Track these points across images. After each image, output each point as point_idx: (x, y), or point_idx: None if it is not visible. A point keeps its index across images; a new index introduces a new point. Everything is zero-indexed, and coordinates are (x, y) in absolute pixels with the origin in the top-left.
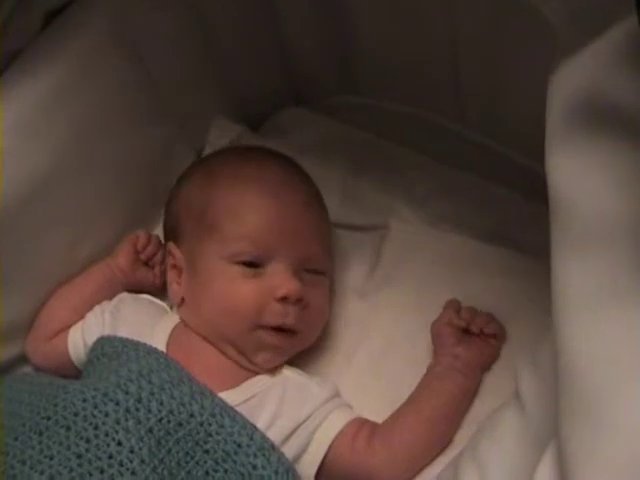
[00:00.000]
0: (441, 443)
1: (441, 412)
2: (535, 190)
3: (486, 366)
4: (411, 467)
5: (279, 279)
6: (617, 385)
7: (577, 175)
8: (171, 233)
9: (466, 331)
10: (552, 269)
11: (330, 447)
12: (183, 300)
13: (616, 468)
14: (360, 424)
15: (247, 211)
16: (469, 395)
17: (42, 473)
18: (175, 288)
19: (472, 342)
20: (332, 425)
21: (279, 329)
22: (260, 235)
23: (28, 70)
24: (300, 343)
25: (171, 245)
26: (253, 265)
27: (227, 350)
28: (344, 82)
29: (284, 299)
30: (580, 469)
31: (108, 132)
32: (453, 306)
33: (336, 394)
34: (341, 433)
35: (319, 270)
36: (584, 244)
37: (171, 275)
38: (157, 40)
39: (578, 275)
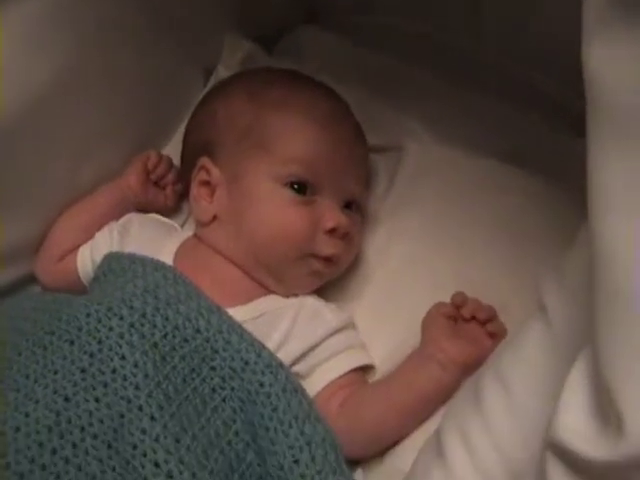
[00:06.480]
0: (403, 432)
1: (410, 406)
2: (554, 113)
3: (470, 367)
4: (368, 446)
5: (329, 211)
6: None
7: (617, 65)
8: (203, 148)
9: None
10: (589, 167)
11: (318, 393)
12: (215, 218)
13: None
14: (345, 383)
15: (303, 135)
16: (443, 393)
17: (46, 387)
18: (205, 205)
19: (462, 339)
20: (330, 370)
21: (327, 259)
22: (314, 160)
23: None
24: (336, 273)
25: (205, 160)
26: (303, 191)
27: (257, 272)
28: (360, 1)
29: (332, 231)
30: (619, 368)
31: (113, 50)
32: (456, 300)
33: (350, 325)
34: (328, 385)
35: (358, 206)
36: (625, 137)
37: (200, 192)
38: None
39: (615, 167)
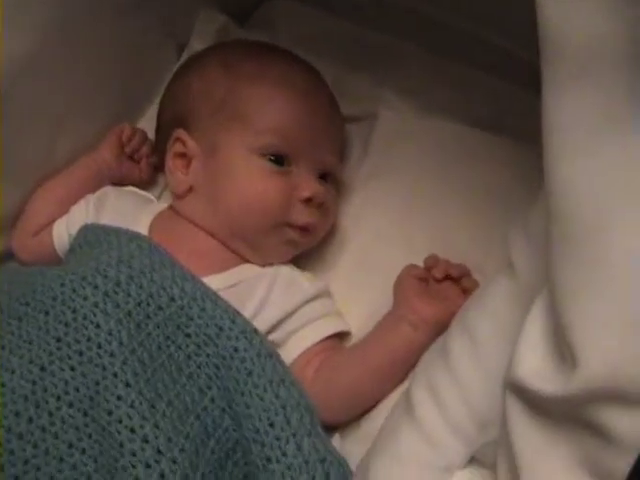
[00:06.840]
0: (379, 395)
1: (385, 368)
2: (534, 82)
3: (442, 326)
4: (345, 411)
5: (304, 181)
6: (609, 214)
7: (571, 9)
8: (178, 120)
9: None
10: (544, 109)
11: (294, 360)
12: (190, 190)
13: (608, 299)
14: (321, 350)
15: (278, 106)
16: (417, 354)
17: (22, 357)
18: (180, 177)
19: (433, 299)
20: (306, 337)
21: (303, 228)
22: (290, 131)
23: None
24: (311, 243)
25: (181, 132)
26: (279, 162)
27: (233, 242)
28: None
29: (308, 201)
30: (572, 304)
31: (87, 24)
32: (428, 262)
33: (326, 293)
34: (304, 352)
35: (333, 178)
36: (575, 73)
37: (175, 163)
38: None
39: (570, 107)
